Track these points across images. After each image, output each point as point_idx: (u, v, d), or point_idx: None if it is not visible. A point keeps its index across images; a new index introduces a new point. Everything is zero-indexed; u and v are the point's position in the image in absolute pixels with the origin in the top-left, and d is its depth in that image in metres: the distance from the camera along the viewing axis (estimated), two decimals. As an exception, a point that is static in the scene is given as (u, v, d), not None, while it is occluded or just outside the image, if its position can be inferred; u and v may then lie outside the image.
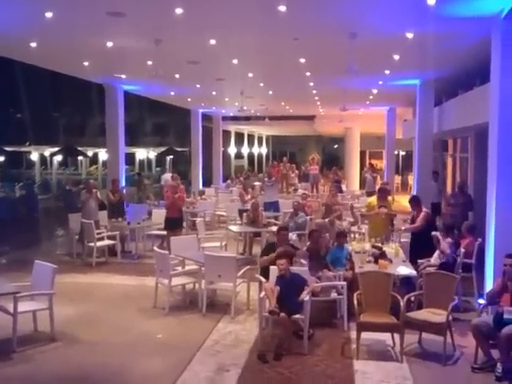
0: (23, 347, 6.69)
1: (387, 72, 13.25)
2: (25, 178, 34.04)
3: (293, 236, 10.28)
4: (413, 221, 9.65)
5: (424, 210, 9.55)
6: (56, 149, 35.56)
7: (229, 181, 25.25)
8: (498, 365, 5.90)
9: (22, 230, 15.40)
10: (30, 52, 10.85)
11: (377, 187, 17.74)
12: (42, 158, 39.42)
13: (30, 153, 38.47)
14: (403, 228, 9.92)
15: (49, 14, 8.13)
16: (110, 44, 10.11)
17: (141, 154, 42.20)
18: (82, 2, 7.79)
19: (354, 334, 6.86)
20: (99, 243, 11.50)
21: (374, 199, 10.60)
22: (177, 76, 14.25)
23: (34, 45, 10.20)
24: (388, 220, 10.14)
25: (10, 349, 6.57)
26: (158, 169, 43.64)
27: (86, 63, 12.37)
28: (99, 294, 9.25)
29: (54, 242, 14.78)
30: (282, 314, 6.56)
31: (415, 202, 9.80)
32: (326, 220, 10.72)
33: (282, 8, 7.62)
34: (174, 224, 11.78)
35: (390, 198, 10.93)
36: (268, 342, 6.85)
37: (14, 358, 6.47)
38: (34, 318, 7.19)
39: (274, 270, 7.44)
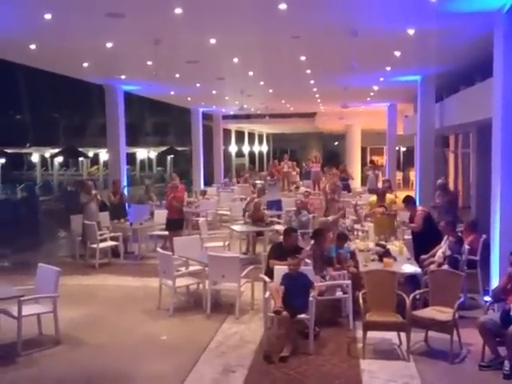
0: (28, 351, 6.66)
1: (388, 68, 13.22)
2: (26, 179, 34.09)
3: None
4: (411, 220, 9.55)
5: (419, 208, 9.47)
6: (57, 150, 35.61)
7: (227, 179, 25.07)
8: (506, 362, 5.86)
9: (23, 232, 15.39)
10: (29, 54, 10.81)
11: (379, 184, 17.75)
12: (43, 160, 39.46)
13: (30, 154, 38.51)
14: (404, 227, 9.78)
15: (48, 16, 8.10)
16: (109, 45, 10.08)
17: (141, 153, 42.20)
18: (81, 4, 7.75)
19: (359, 333, 6.84)
20: (102, 244, 11.48)
21: (374, 198, 10.64)
22: (177, 76, 14.22)
23: (33, 47, 10.16)
24: (392, 218, 10.10)
25: (15, 353, 6.54)
26: (158, 168, 43.68)
27: (85, 64, 12.32)
28: (103, 296, 9.23)
29: (57, 243, 14.77)
30: (284, 313, 6.52)
31: (409, 202, 9.67)
32: (330, 218, 10.68)
33: (283, 6, 7.57)
34: (173, 225, 11.83)
35: (391, 196, 10.85)
36: (273, 342, 6.83)
37: (19, 362, 6.44)
38: (38, 322, 7.16)
39: (278, 270, 7.42)
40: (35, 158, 37.53)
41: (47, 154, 38.28)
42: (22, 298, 6.68)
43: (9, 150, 37.34)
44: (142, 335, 7.36)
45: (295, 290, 6.77)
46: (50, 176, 38.63)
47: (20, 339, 6.60)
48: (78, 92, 29.62)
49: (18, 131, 38.06)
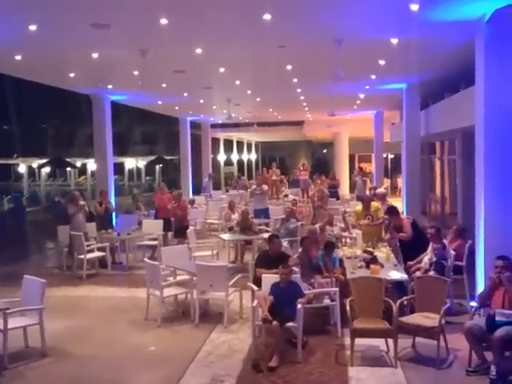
0: (14, 364, 6.58)
1: (373, 77, 13.34)
2: (13, 190, 33.75)
3: (284, 242, 10.25)
4: (396, 229, 9.52)
5: (403, 217, 9.50)
6: (44, 161, 35.37)
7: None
8: (492, 367, 5.89)
9: (10, 243, 15.26)
10: (15, 65, 10.79)
11: (367, 191, 17.85)
12: (30, 170, 39.16)
13: (17, 165, 38.20)
14: (386, 237, 9.78)
15: (33, 27, 8.09)
16: (95, 55, 10.08)
17: (130, 163, 42.07)
18: (66, 15, 7.75)
19: (347, 341, 6.86)
20: (89, 255, 11.41)
21: (360, 207, 10.71)
22: (164, 85, 14.24)
23: (18, 58, 10.14)
24: (379, 227, 10.15)
25: (0, 366, 6.46)
26: (147, 178, 43.55)
27: (71, 75, 12.32)
28: (90, 307, 9.17)
29: (44, 254, 14.66)
30: (274, 322, 6.52)
31: (392, 212, 9.65)
32: (317, 226, 10.71)
33: (267, 16, 7.63)
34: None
35: (376, 203, 10.87)
36: (262, 350, 6.82)
37: (6, 376, 6.37)
38: (24, 334, 7.09)
39: (266, 279, 7.43)
40: (22, 168, 37.22)
41: (34, 165, 37.98)
42: (7, 311, 6.62)
43: (-5, 162, 37.06)
44: (130, 346, 7.31)
45: (284, 299, 6.77)
46: (37, 187, 38.31)
47: (6, 352, 6.53)
48: (66, 102, 29.47)
49: (4, 142, 37.74)
